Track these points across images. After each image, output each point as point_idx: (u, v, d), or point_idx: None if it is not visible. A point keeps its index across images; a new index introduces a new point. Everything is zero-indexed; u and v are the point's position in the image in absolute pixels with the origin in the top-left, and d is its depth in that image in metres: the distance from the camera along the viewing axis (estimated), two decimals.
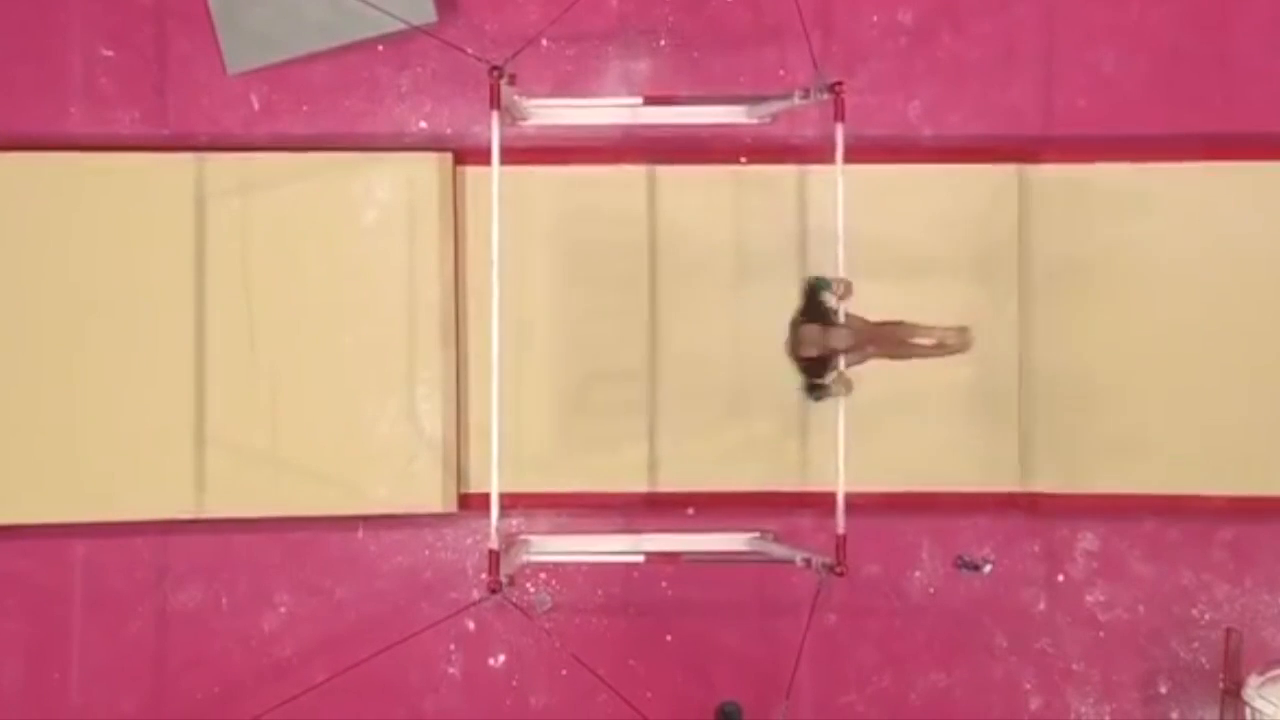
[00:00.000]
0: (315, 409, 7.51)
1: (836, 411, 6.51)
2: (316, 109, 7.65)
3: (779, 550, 7.09)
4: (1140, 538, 7.58)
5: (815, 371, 6.58)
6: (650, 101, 7.03)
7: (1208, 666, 7.51)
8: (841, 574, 6.38)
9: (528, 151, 7.43)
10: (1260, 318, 7.50)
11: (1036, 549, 7.59)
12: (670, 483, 7.57)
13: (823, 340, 6.48)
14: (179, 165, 7.52)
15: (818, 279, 6.69)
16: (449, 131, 7.68)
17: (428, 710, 7.56)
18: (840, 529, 6.42)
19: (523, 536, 7.31)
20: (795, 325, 6.57)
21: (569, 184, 7.61)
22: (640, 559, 7.08)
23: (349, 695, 7.18)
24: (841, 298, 6.52)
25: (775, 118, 7.09)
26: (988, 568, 7.57)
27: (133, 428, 7.45)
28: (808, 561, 6.60)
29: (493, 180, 6.31)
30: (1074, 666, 7.58)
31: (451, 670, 7.58)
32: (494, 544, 6.25)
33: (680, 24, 7.64)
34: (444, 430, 7.55)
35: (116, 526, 7.46)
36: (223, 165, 7.54)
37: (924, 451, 7.53)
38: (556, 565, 7.52)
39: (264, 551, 7.57)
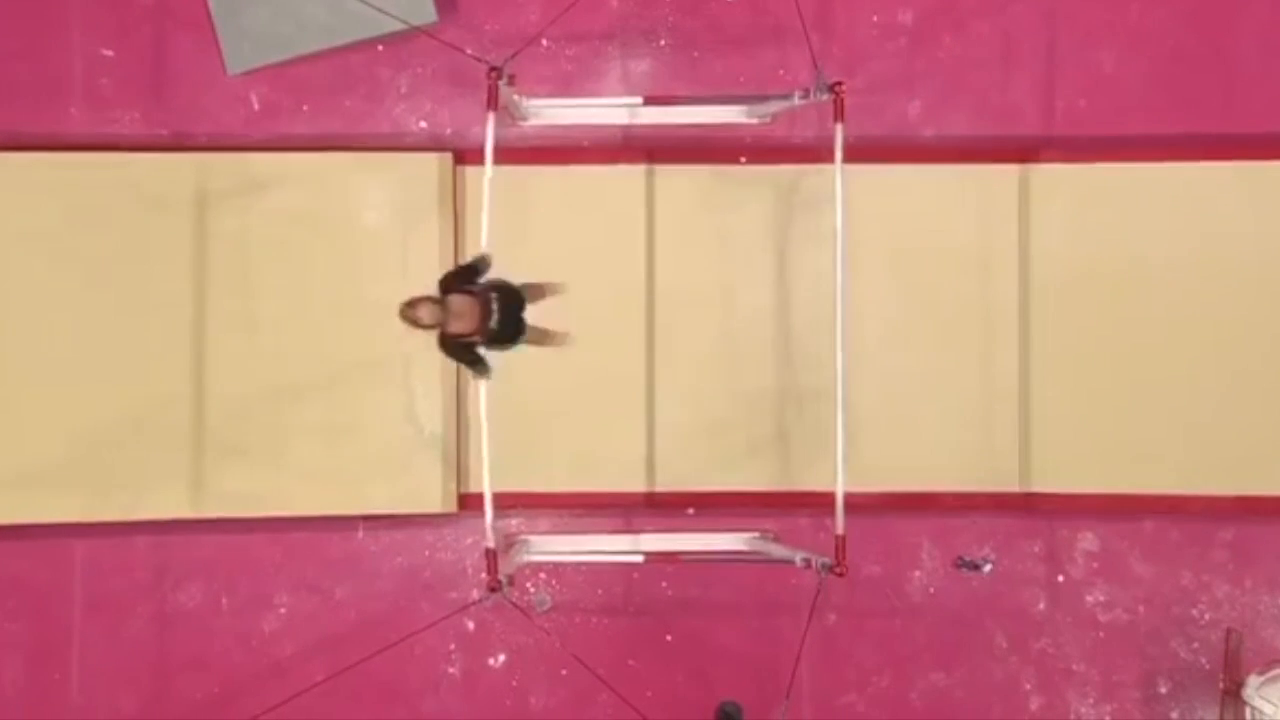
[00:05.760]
0: (315, 409, 7.51)
1: (836, 412, 6.50)
2: (316, 109, 7.65)
3: (779, 550, 7.09)
4: (1140, 538, 7.58)
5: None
6: (650, 101, 7.02)
7: (1208, 666, 7.51)
8: (841, 574, 6.37)
9: (528, 151, 7.43)
10: (1260, 317, 7.49)
11: (1036, 549, 7.59)
12: (670, 483, 7.56)
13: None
14: (179, 165, 7.52)
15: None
16: (449, 132, 7.68)
17: (428, 710, 7.56)
18: (840, 529, 6.41)
19: (522, 536, 7.31)
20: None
21: (569, 184, 7.61)
22: (640, 559, 7.07)
23: (349, 695, 7.19)
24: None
25: (775, 118, 7.08)
26: (988, 568, 7.57)
27: (132, 427, 7.45)
28: (808, 562, 6.59)
29: (485, 180, 6.33)
30: (1074, 666, 7.57)
31: (451, 670, 7.58)
32: (490, 543, 6.25)
33: (680, 24, 7.64)
34: (444, 430, 7.55)
35: (116, 526, 7.46)
36: (223, 165, 7.54)
37: (924, 451, 7.52)
38: (556, 565, 7.51)
39: (264, 551, 7.57)
